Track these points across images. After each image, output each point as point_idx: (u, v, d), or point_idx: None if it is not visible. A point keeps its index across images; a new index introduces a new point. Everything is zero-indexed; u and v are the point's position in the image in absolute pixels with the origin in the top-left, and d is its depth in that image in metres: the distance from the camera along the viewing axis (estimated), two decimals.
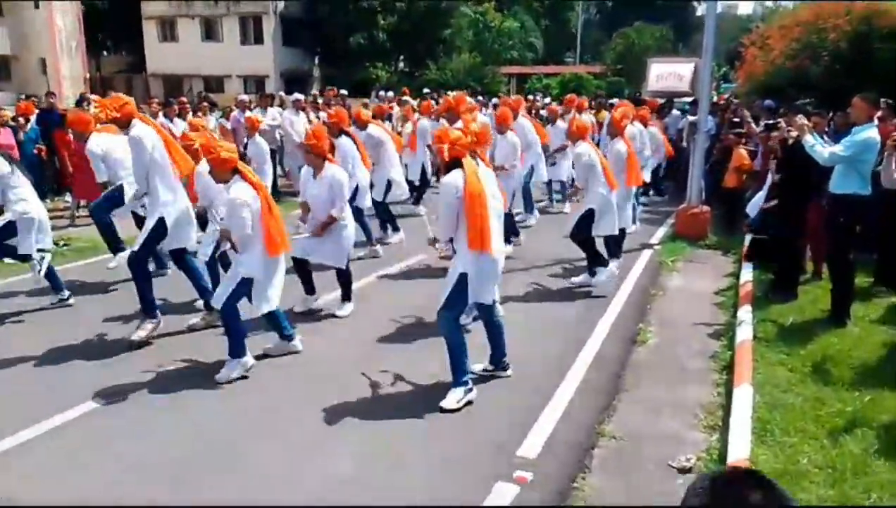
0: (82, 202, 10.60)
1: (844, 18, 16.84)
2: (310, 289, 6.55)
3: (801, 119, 5.82)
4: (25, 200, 6.27)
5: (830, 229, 5.97)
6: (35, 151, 9.93)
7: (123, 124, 5.60)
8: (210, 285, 6.01)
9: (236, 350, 5.10)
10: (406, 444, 4.23)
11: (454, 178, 4.50)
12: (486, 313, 5.04)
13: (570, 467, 4.00)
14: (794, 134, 6.14)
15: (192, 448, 4.14)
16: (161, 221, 5.64)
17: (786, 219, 6.64)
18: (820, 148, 5.68)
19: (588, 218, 7.24)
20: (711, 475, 1.26)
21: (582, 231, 7.28)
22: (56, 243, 8.60)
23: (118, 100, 5.68)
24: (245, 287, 5.04)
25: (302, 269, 6.42)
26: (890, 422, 4.19)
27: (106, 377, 5.04)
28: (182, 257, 6.02)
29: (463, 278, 4.59)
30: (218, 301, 5.05)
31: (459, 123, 9.67)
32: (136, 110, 5.72)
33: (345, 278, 6.52)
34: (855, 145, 5.55)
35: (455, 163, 4.56)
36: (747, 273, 7.42)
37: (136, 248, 5.70)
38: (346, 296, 6.58)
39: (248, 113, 11.32)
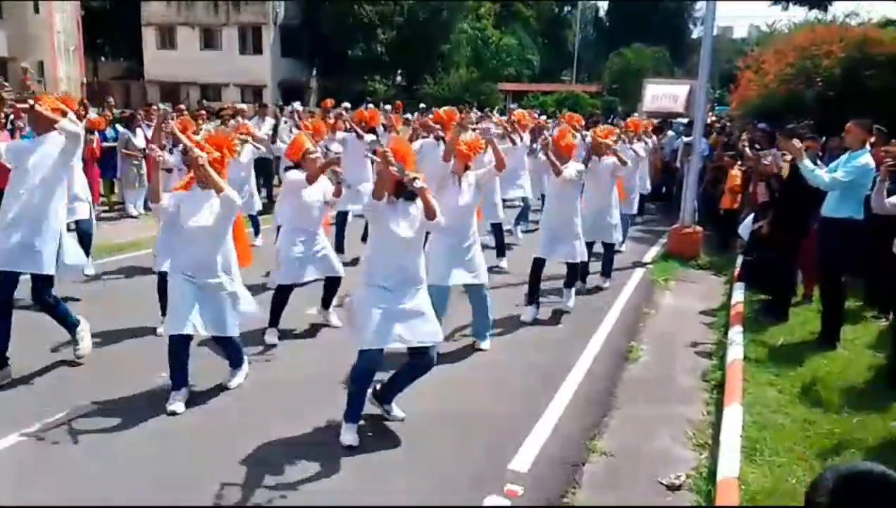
0: None
1: (839, 45, 17.07)
2: (276, 321, 6.10)
3: (796, 143, 5.88)
4: None
5: (823, 252, 6.02)
6: None
7: (48, 126, 4.97)
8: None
9: (241, 359, 5.16)
10: (396, 457, 4.23)
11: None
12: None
13: (560, 482, 4.01)
14: (788, 158, 6.20)
15: (182, 458, 4.13)
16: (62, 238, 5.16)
17: (779, 243, 6.69)
18: (820, 172, 5.74)
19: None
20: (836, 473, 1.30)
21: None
22: None
23: (67, 99, 5.40)
24: None
25: (285, 298, 6.08)
26: (877, 444, 4.23)
27: (82, 389, 4.99)
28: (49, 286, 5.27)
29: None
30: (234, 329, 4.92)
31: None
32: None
33: (336, 285, 6.37)
34: (855, 171, 5.61)
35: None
36: (739, 294, 7.46)
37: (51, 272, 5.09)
38: (329, 303, 6.49)
39: (242, 121, 11.32)
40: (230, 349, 5.05)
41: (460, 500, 3.78)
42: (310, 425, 4.53)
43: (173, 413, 4.57)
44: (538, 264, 7.00)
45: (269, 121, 12.73)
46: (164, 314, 5.89)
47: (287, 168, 6.31)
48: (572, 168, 6.85)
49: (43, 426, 4.35)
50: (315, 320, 6.52)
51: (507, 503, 3.77)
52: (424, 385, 4.74)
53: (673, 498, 3.91)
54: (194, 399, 4.81)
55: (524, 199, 10.65)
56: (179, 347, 4.69)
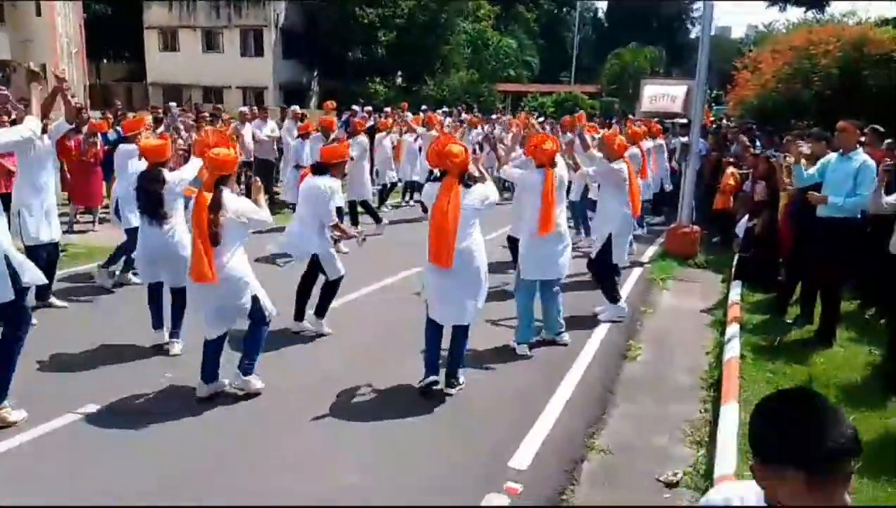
0: (80, 208, 10.78)
1: (836, 44, 17.13)
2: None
3: (797, 147, 5.88)
4: None
5: (823, 252, 6.02)
6: None
7: None
8: None
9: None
10: (396, 454, 4.30)
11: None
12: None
13: (559, 479, 4.08)
14: (791, 159, 6.22)
15: (191, 460, 4.20)
16: None
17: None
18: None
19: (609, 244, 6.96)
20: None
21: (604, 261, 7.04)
22: None
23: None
24: None
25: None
26: (873, 441, 4.29)
27: (92, 389, 5.02)
28: None
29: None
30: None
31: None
32: None
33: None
34: (871, 179, 5.59)
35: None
36: (736, 293, 7.52)
37: None
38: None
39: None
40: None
41: (461, 498, 3.84)
42: (314, 421, 4.62)
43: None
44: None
45: (270, 123, 12.82)
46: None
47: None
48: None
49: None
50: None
51: (507, 500, 3.83)
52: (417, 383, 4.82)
53: (671, 495, 3.97)
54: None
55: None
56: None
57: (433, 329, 5.08)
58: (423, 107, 20.81)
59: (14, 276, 4.22)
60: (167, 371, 5.32)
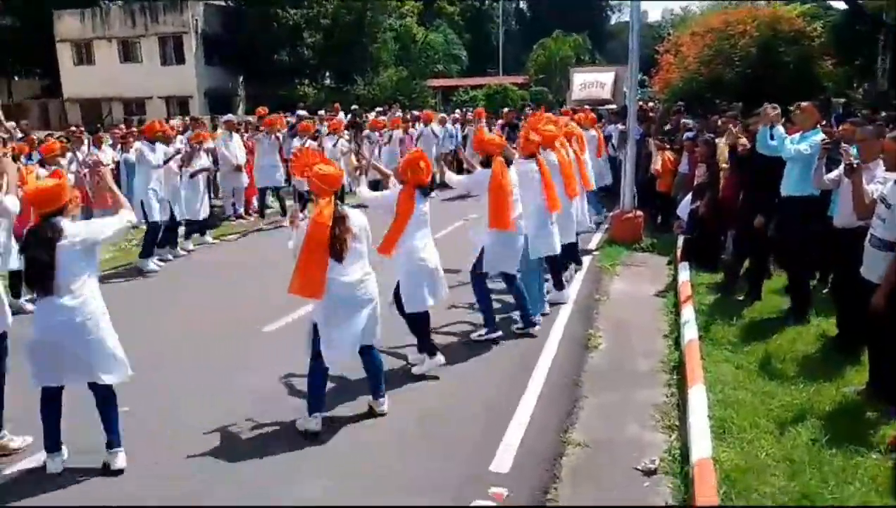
0: None
1: (752, 24, 17.83)
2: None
3: (772, 109, 6.03)
4: None
5: (787, 230, 6.16)
6: None
7: None
8: None
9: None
10: (378, 467, 4.24)
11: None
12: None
13: (542, 478, 4.09)
14: (743, 142, 6.34)
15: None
16: None
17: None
18: (788, 143, 5.89)
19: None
20: None
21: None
22: None
23: None
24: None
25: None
26: (833, 411, 4.45)
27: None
28: None
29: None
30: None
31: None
32: None
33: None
34: (816, 146, 5.71)
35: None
36: (684, 274, 7.69)
37: None
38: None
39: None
40: None
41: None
42: (288, 427, 4.50)
43: None
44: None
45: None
46: None
47: None
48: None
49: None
50: None
51: (494, 504, 3.81)
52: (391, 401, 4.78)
53: (650, 483, 4.02)
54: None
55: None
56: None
57: (484, 285, 6.25)
58: (354, 107, 20.56)
59: None
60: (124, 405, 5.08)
